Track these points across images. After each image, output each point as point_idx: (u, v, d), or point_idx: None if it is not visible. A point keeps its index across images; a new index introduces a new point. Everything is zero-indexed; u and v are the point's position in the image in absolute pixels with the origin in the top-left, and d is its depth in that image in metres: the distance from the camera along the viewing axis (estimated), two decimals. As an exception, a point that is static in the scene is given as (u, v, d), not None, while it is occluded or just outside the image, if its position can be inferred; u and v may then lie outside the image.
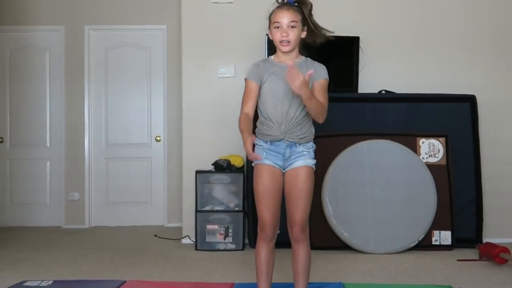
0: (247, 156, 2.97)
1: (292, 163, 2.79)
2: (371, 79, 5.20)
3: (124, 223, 6.28)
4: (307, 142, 2.82)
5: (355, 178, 4.70)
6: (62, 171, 6.32)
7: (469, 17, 5.30)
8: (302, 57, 2.86)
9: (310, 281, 2.97)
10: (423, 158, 4.84)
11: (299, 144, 2.78)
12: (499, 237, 4.98)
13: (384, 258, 4.48)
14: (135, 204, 6.35)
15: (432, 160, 4.86)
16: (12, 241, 5.33)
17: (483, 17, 5.29)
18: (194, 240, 4.98)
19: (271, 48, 5.03)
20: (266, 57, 4.97)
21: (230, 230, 4.92)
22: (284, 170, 2.81)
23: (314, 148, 2.87)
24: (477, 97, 5.04)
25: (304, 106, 2.71)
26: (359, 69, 5.18)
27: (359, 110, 4.97)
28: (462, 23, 5.30)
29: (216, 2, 5.26)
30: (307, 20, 2.77)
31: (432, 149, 4.87)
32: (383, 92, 5.12)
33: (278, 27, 2.72)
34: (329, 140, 4.82)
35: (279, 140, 2.76)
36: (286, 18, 2.70)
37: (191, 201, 5.09)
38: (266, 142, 2.79)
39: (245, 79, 2.84)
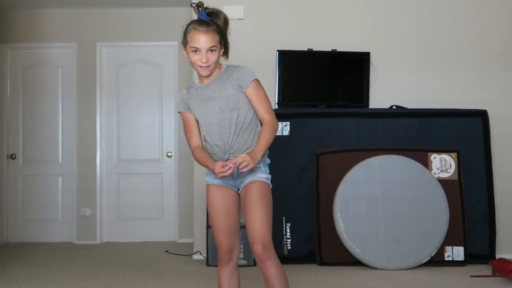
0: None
1: (243, 180, 2.63)
2: (382, 94, 5.20)
3: (135, 239, 6.29)
4: None
5: (367, 193, 4.69)
6: (74, 187, 6.35)
7: (480, 32, 5.29)
8: (223, 66, 2.66)
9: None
10: (434, 174, 4.81)
11: None
12: (512, 253, 4.95)
13: (396, 274, 4.44)
14: (147, 220, 6.37)
15: (444, 175, 4.84)
16: (24, 257, 5.35)
17: (494, 32, 5.29)
18: (206, 256, 4.97)
19: (282, 63, 5.10)
20: (277, 71, 5.06)
21: (242, 246, 4.91)
22: (238, 189, 2.67)
23: (266, 163, 2.67)
24: (488, 112, 5.02)
25: (238, 117, 2.56)
26: (370, 85, 5.18)
27: (370, 126, 4.97)
28: (473, 38, 5.29)
29: (227, 19, 5.27)
30: (224, 38, 2.61)
31: (443, 164, 4.85)
32: (394, 107, 5.12)
33: (196, 51, 2.52)
34: (340, 155, 4.82)
35: (226, 160, 2.57)
36: (205, 42, 2.50)
37: (202, 216, 5.08)
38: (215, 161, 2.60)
39: (179, 113, 2.74)
